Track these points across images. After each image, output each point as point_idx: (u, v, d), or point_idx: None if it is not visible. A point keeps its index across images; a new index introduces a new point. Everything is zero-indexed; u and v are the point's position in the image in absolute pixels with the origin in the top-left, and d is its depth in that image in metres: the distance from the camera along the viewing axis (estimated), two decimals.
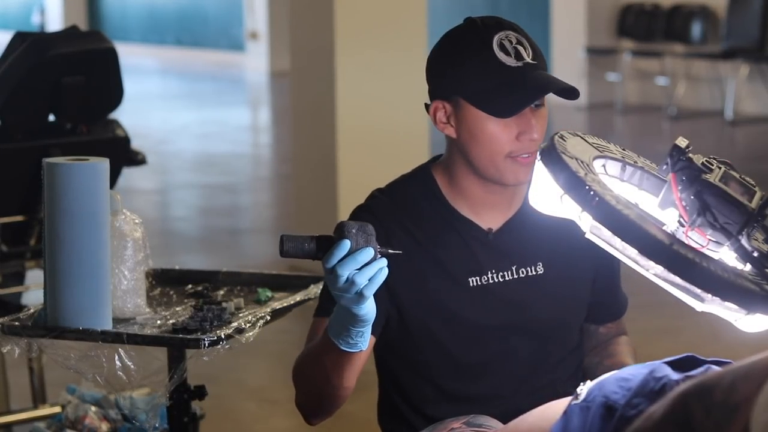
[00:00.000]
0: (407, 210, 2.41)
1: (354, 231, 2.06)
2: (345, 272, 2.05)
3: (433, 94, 2.39)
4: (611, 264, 2.47)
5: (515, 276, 2.41)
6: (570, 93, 2.29)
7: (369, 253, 2.05)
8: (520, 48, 2.32)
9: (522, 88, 2.30)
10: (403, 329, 2.42)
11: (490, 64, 2.31)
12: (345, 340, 2.19)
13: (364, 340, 2.19)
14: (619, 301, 2.58)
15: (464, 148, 2.36)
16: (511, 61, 2.31)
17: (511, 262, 2.41)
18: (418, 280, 2.38)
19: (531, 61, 2.32)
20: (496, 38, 2.32)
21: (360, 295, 2.08)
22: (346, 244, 2.05)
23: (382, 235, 2.23)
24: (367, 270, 2.06)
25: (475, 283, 2.39)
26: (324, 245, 2.07)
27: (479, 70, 2.32)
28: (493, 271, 2.40)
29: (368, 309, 2.12)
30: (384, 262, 2.08)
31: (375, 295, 2.14)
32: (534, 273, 2.42)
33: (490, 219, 2.42)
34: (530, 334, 2.42)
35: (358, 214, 2.43)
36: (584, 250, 2.38)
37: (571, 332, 2.48)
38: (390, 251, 2.10)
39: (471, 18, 2.40)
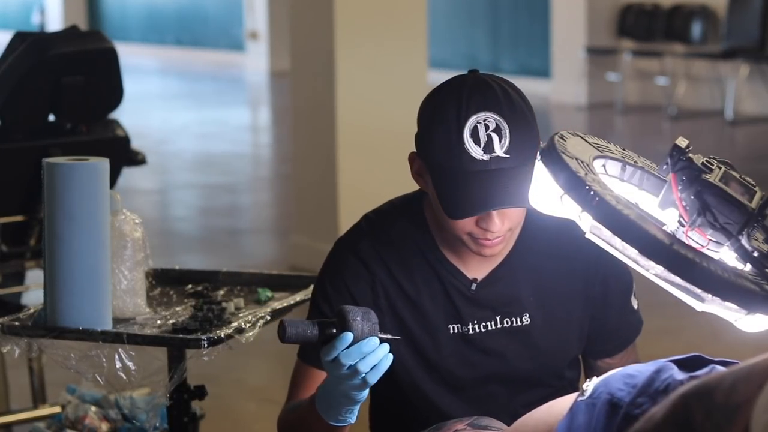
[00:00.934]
0: (395, 252, 2.33)
1: (358, 319, 2.02)
2: (348, 362, 2.04)
3: (415, 143, 2.28)
4: (610, 300, 2.38)
5: (499, 326, 2.34)
6: (524, 202, 2.13)
7: (374, 343, 2.03)
8: (495, 137, 2.15)
9: (474, 193, 2.15)
10: (387, 373, 2.40)
11: (455, 148, 2.15)
12: (334, 416, 2.16)
13: (353, 415, 2.17)
14: (619, 336, 2.44)
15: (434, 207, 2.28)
16: (477, 152, 2.14)
17: (495, 312, 2.34)
18: (399, 326, 2.33)
19: (502, 155, 2.14)
20: (472, 119, 2.15)
21: (363, 382, 2.06)
22: (349, 337, 2.02)
23: (368, 282, 2.25)
24: (370, 358, 2.04)
25: (455, 331, 2.34)
26: (326, 332, 2.02)
27: (444, 149, 2.17)
28: (475, 322, 2.33)
29: (365, 394, 2.10)
30: (386, 348, 2.05)
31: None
32: (519, 324, 2.35)
33: (476, 268, 2.33)
34: (511, 384, 2.37)
35: (346, 255, 2.34)
36: (577, 290, 2.36)
37: (554, 378, 2.39)
38: (390, 337, 2.07)
39: (466, 77, 2.23)
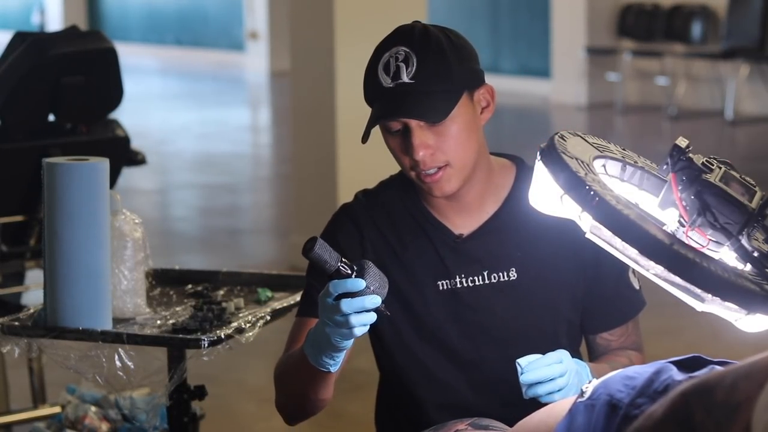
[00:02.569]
0: (384, 213, 2.44)
1: (373, 273, 2.06)
2: (347, 309, 2.07)
3: None
4: (603, 269, 2.40)
5: (486, 281, 2.39)
6: (422, 116, 2.28)
7: (375, 302, 2.07)
8: (402, 66, 2.31)
9: (374, 114, 2.33)
10: (379, 336, 2.44)
11: (369, 80, 2.36)
12: (317, 361, 2.20)
13: (336, 364, 2.21)
14: (616, 310, 2.46)
15: None
16: (386, 81, 2.33)
17: (482, 267, 2.39)
18: (389, 288, 2.33)
19: (407, 81, 2.30)
20: (385, 55, 2.36)
21: (350, 332, 2.10)
22: (360, 284, 2.06)
23: (357, 238, 2.40)
24: (365, 315, 2.08)
25: (444, 287, 2.39)
26: (343, 270, 2.06)
27: (366, 87, 2.38)
28: (462, 275, 2.38)
29: (348, 344, 2.15)
30: (374, 317, 2.09)
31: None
32: (506, 278, 2.39)
33: (461, 223, 2.41)
34: (501, 342, 2.39)
35: (339, 216, 2.47)
36: (568, 255, 2.39)
37: (547, 341, 2.38)
38: (384, 310, 2.10)
39: (400, 27, 2.43)
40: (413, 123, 2.31)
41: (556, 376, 2.19)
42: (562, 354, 2.23)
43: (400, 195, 2.45)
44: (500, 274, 2.39)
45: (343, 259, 2.07)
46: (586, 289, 2.43)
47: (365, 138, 2.34)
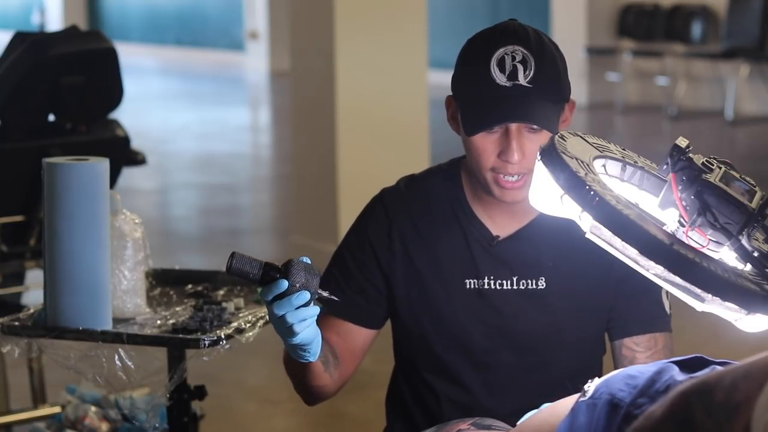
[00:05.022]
0: (423, 202, 2.42)
1: (296, 271, 2.09)
2: (279, 312, 2.09)
3: (451, 84, 2.39)
4: (633, 281, 2.34)
5: (515, 287, 2.38)
6: (540, 123, 2.25)
7: (304, 297, 2.09)
8: (520, 67, 2.27)
9: (492, 110, 2.27)
10: (399, 325, 2.44)
11: (481, 77, 2.28)
12: (294, 354, 2.22)
13: (312, 355, 2.21)
14: (641, 317, 2.41)
15: (464, 149, 2.37)
16: (501, 79, 2.26)
17: (512, 272, 2.38)
18: (414, 279, 2.40)
19: (525, 84, 2.26)
20: (500, 51, 2.28)
21: (291, 331, 2.12)
22: (283, 285, 2.08)
23: (385, 227, 2.39)
24: (300, 312, 2.10)
25: (471, 286, 2.38)
26: (268, 276, 2.09)
27: (471, 79, 2.30)
28: (492, 277, 2.38)
29: (302, 338, 2.15)
30: (316, 311, 2.12)
31: (372, 289, 2.31)
32: (534, 287, 2.38)
33: (502, 225, 2.39)
34: (520, 349, 2.39)
35: (373, 202, 2.47)
36: (598, 271, 2.37)
37: (567, 354, 2.39)
38: (326, 296, 2.13)
39: (504, 22, 2.37)
40: (516, 126, 2.27)
41: None
42: None
43: (445, 186, 2.43)
44: (529, 281, 2.38)
45: (268, 263, 2.09)
46: (613, 300, 2.40)
47: (475, 132, 2.29)
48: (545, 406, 2.18)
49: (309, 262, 2.11)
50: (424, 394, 2.45)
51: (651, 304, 2.42)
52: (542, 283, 2.38)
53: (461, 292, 2.38)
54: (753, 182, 1.98)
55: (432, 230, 2.40)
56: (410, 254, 2.38)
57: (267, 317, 2.70)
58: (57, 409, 3.72)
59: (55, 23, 19.10)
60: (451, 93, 2.39)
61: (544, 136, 2.24)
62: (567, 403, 2.08)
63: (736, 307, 1.83)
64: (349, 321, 2.42)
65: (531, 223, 2.39)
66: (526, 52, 2.27)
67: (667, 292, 2.35)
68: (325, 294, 2.13)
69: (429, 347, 2.41)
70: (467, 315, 2.38)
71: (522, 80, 2.26)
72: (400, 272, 2.40)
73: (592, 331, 2.42)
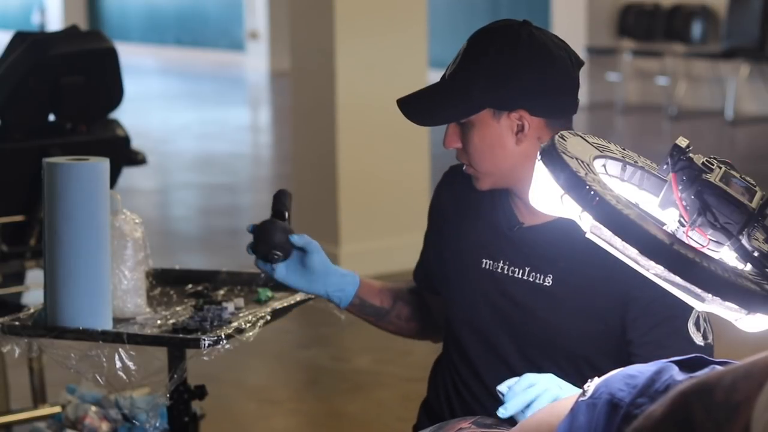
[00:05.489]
0: (470, 182, 2.51)
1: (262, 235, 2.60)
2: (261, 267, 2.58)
3: None
4: (653, 309, 2.31)
5: (525, 277, 2.43)
6: (413, 116, 2.46)
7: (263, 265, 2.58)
8: (451, 63, 2.43)
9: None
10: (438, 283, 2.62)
11: None
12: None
13: (340, 301, 2.56)
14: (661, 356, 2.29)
15: None
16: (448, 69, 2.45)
17: (525, 262, 2.43)
18: (438, 239, 2.58)
19: (445, 77, 2.43)
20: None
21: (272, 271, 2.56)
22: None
23: (437, 197, 2.61)
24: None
25: (486, 266, 2.47)
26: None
27: None
28: (507, 262, 2.45)
29: (282, 277, 2.53)
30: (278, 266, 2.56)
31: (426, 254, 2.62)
32: (541, 282, 2.41)
33: (530, 215, 2.44)
34: (520, 341, 2.42)
35: (444, 174, 2.63)
36: (612, 285, 2.34)
37: (568, 356, 2.40)
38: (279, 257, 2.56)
39: (499, 21, 2.54)
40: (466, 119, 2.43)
41: (532, 399, 2.20)
42: (532, 378, 2.23)
43: None
44: (538, 275, 2.42)
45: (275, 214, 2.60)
46: (633, 326, 2.35)
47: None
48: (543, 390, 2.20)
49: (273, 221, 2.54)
50: (444, 364, 2.56)
51: (674, 339, 2.32)
52: (549, 281, 2.40)
53: (476, 270, 2.47)
54: (753, 182, 1.98)
55: (470, 207, 2.52)
56: (440, 221, 2.56)
57: (267, 317, 2.71)
58: (57, 409, 3.72)
59: (55, 23, 19.10)
60: None
61: (468, 134, 2.41)
62: (567, 402, 2.08)
63: (737, 306, 1.83)
64: (419, 286, 2.68)
65: (556, 220, 2.36)
66: (465, 45, 2.43)
67: (701, 317, 2.27)
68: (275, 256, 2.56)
69: (448, 317, 2.55)
70: (479, 294, 2.46)
71: (446, 74, 2.44)
72: (438, 240, 2.58)
73: (599, 342, 2.40)
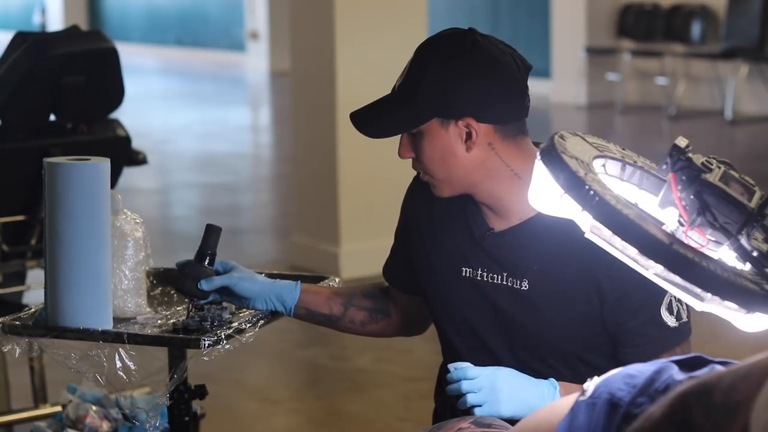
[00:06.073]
0: None
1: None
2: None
3: None
4: (627, 302, 2.36)
5: (504, 282, 2.45)
6: (363, 128, 2.50)
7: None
8: (400, 75, 2.47)
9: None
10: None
11: None
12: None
13: (286, 310, 2.64)
14: (639, 346, 2.38)
15: None
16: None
17: (501, 268, 2.45)
18: (421, 246, 2.56)
19: (395, 89, 2.47)
20: None
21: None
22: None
23: (411, 208, 2.61)
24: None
25: (466, 275, 2.48)
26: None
27: None
28: (484, 269, 2.46)
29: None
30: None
31: (401, 255, 2.63)
32: (518, 287, 2.43)
33: (498, 221, 2.46)
34: (510, 343, 2.46)
35: (411, 184, 2.64)
36: (586, 284, 2.38)
37: (557, 357, 2.43)
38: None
39: (453, 31, 2.52)
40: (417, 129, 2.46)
41: (466, 391, 2.28)
42: (481, 371, 2.29)
43: None
44: (515, 281, 2.43)
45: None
46: (610, 318, 2.39)
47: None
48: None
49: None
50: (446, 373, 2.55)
51: (649, 328, 2.39)
52: (525, 285, 2.42)
53: (457, 279, 2.49)
54: (752, 182, 1.99)
55: (444, 216, 2.52)
56: (420, 228, 2.56)
57: (267, 317, 2.72)
58: (58, 409, 3.73)
59: (56, 23, 19.10)
60: None
61: (418, 143, 2.43)
62: (566, 402, 2.09)
63: (736, 306, 1.84)
64: (388, 283, 2.70)
65: (524, 223, 2.43)
66: (413, 57, 2.48)
67: (673, 300, 2.37)
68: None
69: (439, 327, 2.57)
70: (465, 299, 2.48)
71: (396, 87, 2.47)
72: (415, 248, 2.58)
73: (583, 338, 2.43)
